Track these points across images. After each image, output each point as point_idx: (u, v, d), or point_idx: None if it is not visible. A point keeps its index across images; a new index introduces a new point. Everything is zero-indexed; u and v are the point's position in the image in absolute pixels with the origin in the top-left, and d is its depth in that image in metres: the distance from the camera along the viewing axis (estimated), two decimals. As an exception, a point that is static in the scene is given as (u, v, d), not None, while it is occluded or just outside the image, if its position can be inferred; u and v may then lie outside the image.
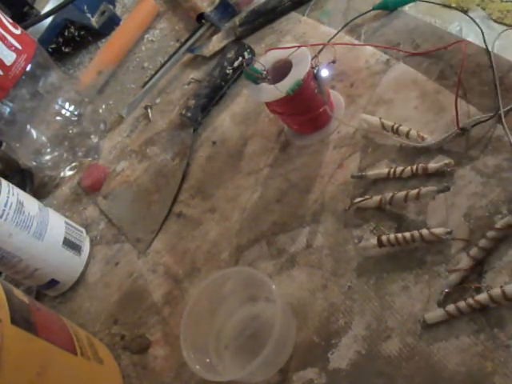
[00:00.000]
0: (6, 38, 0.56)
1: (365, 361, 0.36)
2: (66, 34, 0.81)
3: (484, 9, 0.48)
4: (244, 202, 0.49)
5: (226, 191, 0.52)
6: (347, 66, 0.52)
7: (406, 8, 0.53)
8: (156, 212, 0.55)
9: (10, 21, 0.58)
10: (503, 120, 0.40)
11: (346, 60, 0.52)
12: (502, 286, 0.33)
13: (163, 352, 0.46)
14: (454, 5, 0.50)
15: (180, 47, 0.68)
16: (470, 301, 0.34)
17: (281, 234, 0.45)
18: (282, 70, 0.45)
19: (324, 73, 0.45)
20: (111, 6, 0.79)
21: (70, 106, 0.63)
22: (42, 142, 0.62)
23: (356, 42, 0.53)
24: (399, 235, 0.38)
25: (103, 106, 0.71)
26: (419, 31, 0.50)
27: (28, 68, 0.58)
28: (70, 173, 0.66)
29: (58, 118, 0.63)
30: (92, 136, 0.66)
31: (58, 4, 0.72)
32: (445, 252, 0.37)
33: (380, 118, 0.44)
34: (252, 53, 0.60)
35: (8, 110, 0.59)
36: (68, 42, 0.82)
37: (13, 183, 0.51)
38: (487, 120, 0.40)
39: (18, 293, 0.40)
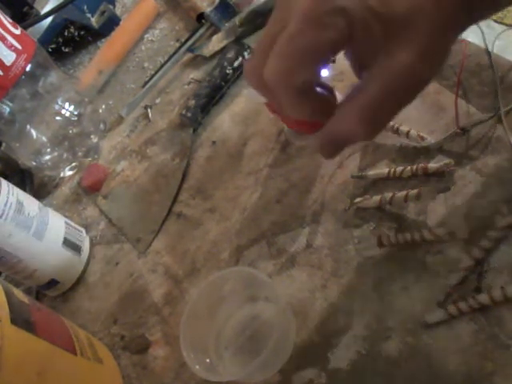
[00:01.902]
0: (5, 38, 0.56)
1: (365, 361, 0.36)
2: (66, 33, 0.81)
3: (484, 9, 0.48)
4: (244, 202, 0.49)
5: (226, 191, 0.52)
6: (347, 66, 0.52)
7: (406, 8, 0.53)
8: (156, 212, 0.55)
9: (10, 21, 0.58)
10: (503, 120, 0.40)
11: (345, 60, 0.52)
12: (502, 286, 0.33)
13: (163, 352, 0.46)
14: (454, 5, 0.50)
15: (180, 47, 0.68)
16: (470, 301, 0.34)
17: (281, 234, 0.45)
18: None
19: (324, 73, 0.45)
20: (111, 6, 0.79)
21: (70, 105, 0.63)
22: (42, 141, 0.62)
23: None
24: (399, 235, 0.38)
25: (103, 106, 0.71)
26: (419, 31, 0.50)
27: (28, 68, 0.58)
28: (70, 173, 0.66)
29: (58, 118, 0.63)
30: (92, 136, 0.66)
31: (58, 4, 0.72)
32: (445, 252, 0.37)
33: (380, 118, 0.44)
34: (252, 53, 0.60)
35: (8, 109, 0.59)
36: (68, 41, 0.82)
37: (13, 183, 0.51)
38: (487, 120, 0.40)
39: (18, 293, 0.40)
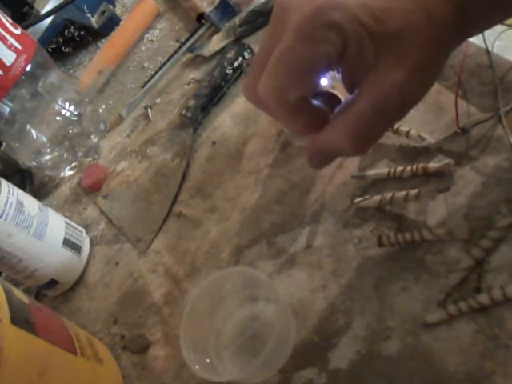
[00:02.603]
0: (5, 38, 0.56)
1: (365, 361, 0.36)
2: (66, 33, 0.81)
3: (484, 9, 0.48)
4: (244, 202, 0.49)
5: (225, 191, 0.52)
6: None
7: (406, 8, 0.53)
8: (156, 212, 0.55)
9: (10, 21, 0.58)
10: (503, 120, 0.40)
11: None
12: (502, 286, 0.33)
13: (163, 352, 0.46)
14: (453, 5, 0.50)
15: (180, 47, 0.68)
16: (470, 301, 0.34)
17: (281, 234, 0.45)
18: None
19: (323, 82, 0.45)
20: (111, 6, 0.79)
21: (70, 106, 0.63)
22: (42, 141, 0.62)
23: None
24: (399, 235, 0.38)
25: (103, 106, 0.71)
26: (419, 31, 0.50)
27: (28, 68, 0.58)
28: (70, 173, 0.66)
29: (58, 118, 0.63)
30: (92, 136, 0.66)
31: (58, 4, 0.72)
32: (445, 252, 0.37)
33: (380, 118, 0.44)
34: (252, 53, 0.60)
35: (8, 110, 0.59)
36: (68, 41, 0.82)
37: (13, 183, 0.51)
38: (487, 120, 0.40)
39: (18, 293, 0.40)
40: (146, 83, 0.68)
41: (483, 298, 0.33)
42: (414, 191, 0.39)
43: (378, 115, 0.28)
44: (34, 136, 0.62)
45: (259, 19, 0.63)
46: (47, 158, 0.64)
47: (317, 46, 0.27)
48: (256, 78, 0.29)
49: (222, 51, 0.63)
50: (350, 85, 0.31)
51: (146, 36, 0.76)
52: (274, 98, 0.29)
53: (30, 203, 0.52)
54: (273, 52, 0.28)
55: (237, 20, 0.63)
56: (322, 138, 0.30)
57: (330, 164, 0.33)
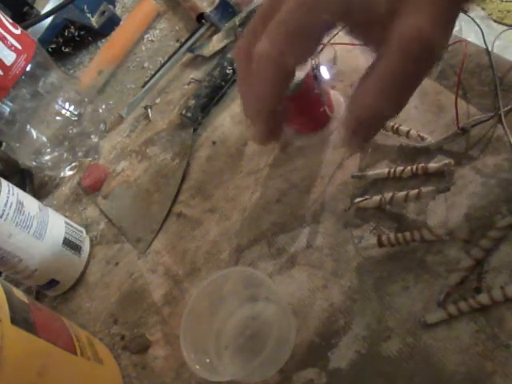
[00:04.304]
0: (5, 38, 0.56)
1: (365, 361, 0.36)
2: (66, 33, 0.81)
3: (484, 9, 0.48)
4: (244, 202, 0.49)
5: (226, 191, 0.52)
6: (347, 66, 0.52)
7: (406, 8, 0.53)
8: (156, 212, 0.55)
9: (10, 21, 0.58)
10: (503, 120, 0.40)
11: (345, 60, 0.52)
12: (501, 286, 0.33)
13: (163, 352, 0.46)
14: (453, 5, 0.50)
15: (180, 47, 0.68)
16: (470, 301, 0.34)
17: (281, 234, 0.45)
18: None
19: (324, 73, 0.45)
20: (111, 6, 0.79)
21: (70, 105, 0.63)
22: (42, 141, 0.62)
23: (356, 41, 0.53)
24: (399, 235, 0.38)
25: (103, 106, 0.71)
26: (419, 31, 0.50)
27: (28, 68, 0.58)
28: (70, 173, 0.66)
29: (58, 118, 0.63)
30: (92, 136, 0.66)
31: (58, 4, 0.72)
32: (445, 252, 0.37)
33: (380, 118, 0.44)
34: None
35: (8, 110, 0.59)
36: (68, 41, 0.82)
37: (13, 183, 0.51)
38: (487, 120, 0.40)
39: (18, 293, 0.40)
40: (146, 83, 0.68)
41: (483, 298, 0.33)
42: (414, 191, 0.39)
43: (405, 64, 0.27)
44: (34, 136, 0.62)
45: (259, 19, 0.63)
46: (47, 158, 0.64)
47: (319, 9, 0.27)
48: (251, 42, 0.29)
49: (221, 51, 0.63)
50: (372, 45, 0.30)
51: (145, 36, 0.76)
52: (269, 61, 0.28)
53: (30, 203, 0.52)
54: (272, 17, 0.28)
55: (237, 20, 0.63)
56: (355, 103, 0.29)
57: (371, 139, 0.31)
